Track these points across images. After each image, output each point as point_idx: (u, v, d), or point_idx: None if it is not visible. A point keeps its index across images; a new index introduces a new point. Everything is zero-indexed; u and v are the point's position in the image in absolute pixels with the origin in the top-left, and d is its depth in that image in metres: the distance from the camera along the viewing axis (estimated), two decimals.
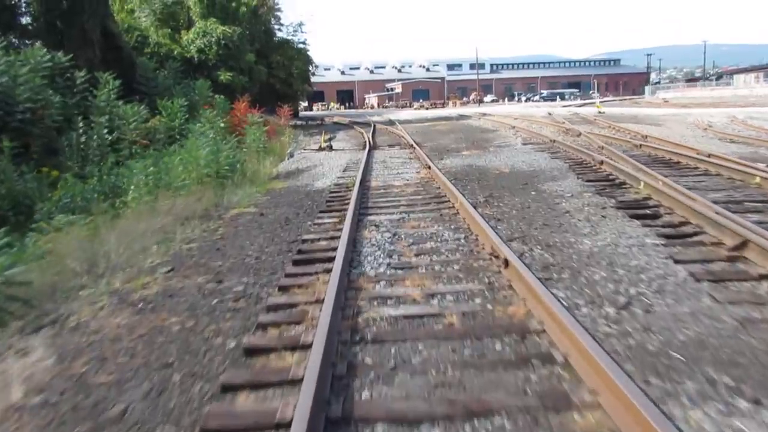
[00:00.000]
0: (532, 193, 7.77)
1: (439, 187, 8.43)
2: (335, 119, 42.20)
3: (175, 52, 24.73)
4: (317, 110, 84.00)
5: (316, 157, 14.45)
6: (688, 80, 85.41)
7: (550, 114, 29.38)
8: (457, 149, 14.29)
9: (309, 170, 11.83)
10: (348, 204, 7.14)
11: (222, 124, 16.55)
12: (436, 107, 68.73)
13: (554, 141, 13.82)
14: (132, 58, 18.69)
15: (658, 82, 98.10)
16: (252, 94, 28.90)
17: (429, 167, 10.19)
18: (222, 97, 21.77)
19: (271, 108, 35.27)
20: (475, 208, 6.44)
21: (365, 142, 17.18)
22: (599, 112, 27.00)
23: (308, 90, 37.67)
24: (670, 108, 33.08)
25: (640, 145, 12.07)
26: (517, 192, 7.88)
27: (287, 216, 7.18)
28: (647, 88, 60.54)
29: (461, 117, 33.09)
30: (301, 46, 37.68)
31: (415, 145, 14.84)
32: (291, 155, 15.13)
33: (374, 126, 26.13)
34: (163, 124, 15.72)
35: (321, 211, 7.31)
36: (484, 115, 31.77)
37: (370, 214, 6.91)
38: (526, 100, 77.58)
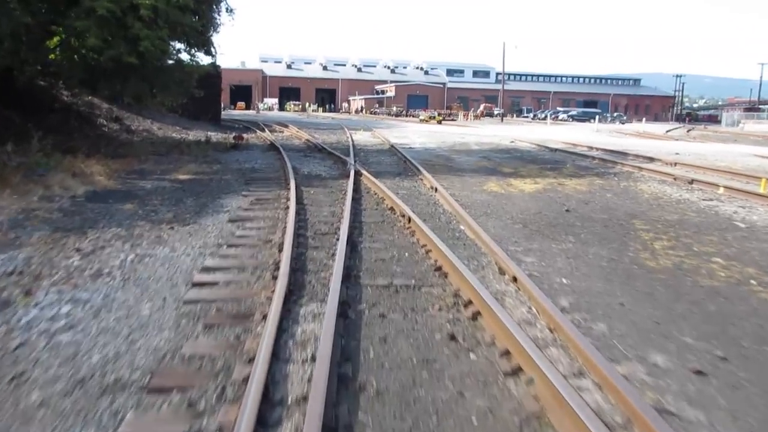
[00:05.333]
0: None
1: None
2: (286, 131, 23.73)
3: None
4: (289, 111, 65.57)
5: None
6: (746, 109, 69.37)
7: None
8: None
9: None
10: None
11: None
12: (444, 121, 48.35)
13: None
14: None
15: (685, 108, 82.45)
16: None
17: None
18: None
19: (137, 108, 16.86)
20: None
21: None
22: None
23: (205, 69, 13.20)
24: None
25: None
26: None
27: None
28: (725, 116, 43.96)
29: (623, 173, 15.05)
30: None
31: None
32: None
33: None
34: None
35: None
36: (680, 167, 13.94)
37: None
38: (543, 118, 59.83)
